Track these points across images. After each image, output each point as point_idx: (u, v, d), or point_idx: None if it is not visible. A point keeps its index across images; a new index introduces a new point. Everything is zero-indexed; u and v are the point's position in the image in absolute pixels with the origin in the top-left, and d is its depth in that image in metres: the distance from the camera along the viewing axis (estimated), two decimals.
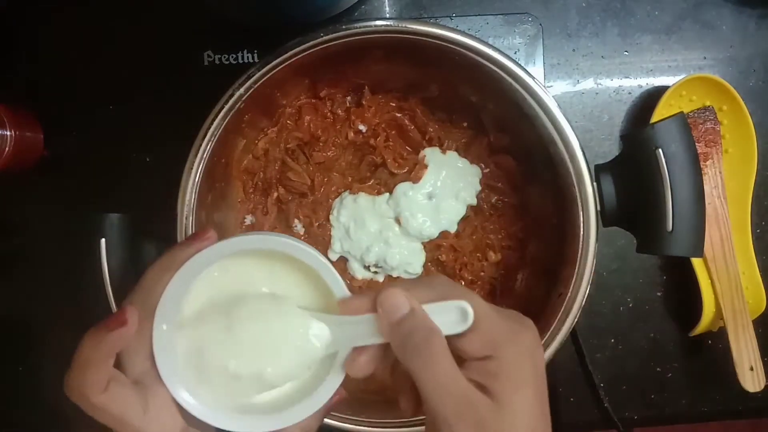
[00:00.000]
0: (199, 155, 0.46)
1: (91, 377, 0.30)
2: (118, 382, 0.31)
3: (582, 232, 0.46)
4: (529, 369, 0.31)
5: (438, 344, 0.30)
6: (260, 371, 0.33)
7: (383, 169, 0.57)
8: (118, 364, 0.32)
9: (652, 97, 0.59)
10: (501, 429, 0.29)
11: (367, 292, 0.33)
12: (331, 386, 0.34)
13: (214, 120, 0.46)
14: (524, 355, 0.31)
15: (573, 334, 0.59)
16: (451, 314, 0.31)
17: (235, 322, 0.33)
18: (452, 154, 0.56)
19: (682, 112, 0.44)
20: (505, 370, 0.30)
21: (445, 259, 0.56)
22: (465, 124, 0.57)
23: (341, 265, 0.57)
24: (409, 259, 0.55)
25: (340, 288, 0.33)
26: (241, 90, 0.46)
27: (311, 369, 0.34)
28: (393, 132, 0.57)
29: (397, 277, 0.56)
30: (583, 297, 0.46)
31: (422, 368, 0.30)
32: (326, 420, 0.47)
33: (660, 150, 0.42)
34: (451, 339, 0.31)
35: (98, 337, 0.30)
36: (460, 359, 0.31)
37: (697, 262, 0.58)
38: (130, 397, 0.31)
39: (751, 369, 0.56)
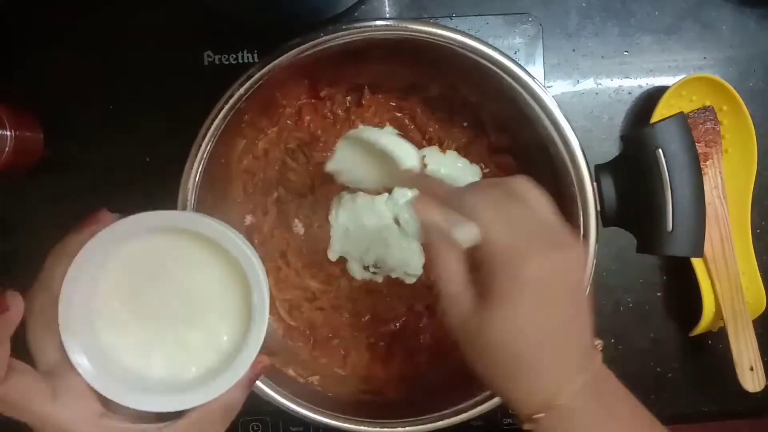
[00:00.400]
0: (199, 155, 0.46)
1: None
2: (19, 371, 0.31)
3: (582, 232, 0.46)
4: (519, 287, 0.32)
5: (443, 248, 0.35)
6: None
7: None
8: (28, 358, 0.32)
9: (652, 97, 0.59)
10: (480, 326, 0.33)
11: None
12: (249, 355, 0.34)
13: (214, 120, 0.46)
14: (516, 278, 0.32)
15: None
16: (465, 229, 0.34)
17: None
18: (452, 154, 0.56)
19: (682, 112, 0.44)
20: (492, 283, 0.33)
21: None
22: (465, 124, 0.57)
23: (341, 264, 0.57)
24: (409, 260, 0.55)
25: (240, 252, 0.34)
26: (241, 90, 0.46)
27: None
28: None
29: (396, 278, 0.56)
30: None
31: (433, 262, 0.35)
32: (326, 420, 0.47)
33: (660, 150, 0.42)
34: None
35: None
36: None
37: (697, 262, 0.58)
38: (34, 386, 0.31)
39: (751, 369, 0.56)
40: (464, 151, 0.57)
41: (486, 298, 0.33)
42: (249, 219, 0.57)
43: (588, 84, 0.60)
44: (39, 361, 0.32)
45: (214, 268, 0.36)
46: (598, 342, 0.36)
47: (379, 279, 0.57)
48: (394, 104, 0.57)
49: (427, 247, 0.36)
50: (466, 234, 0.34)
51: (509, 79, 0.46)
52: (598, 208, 0.46)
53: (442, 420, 0.47)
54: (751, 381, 0.56)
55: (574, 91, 0.60)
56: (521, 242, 0.33)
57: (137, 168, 0.58)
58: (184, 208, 0.47)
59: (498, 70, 0.46)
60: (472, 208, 0.34)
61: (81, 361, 0.32)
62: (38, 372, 0.31)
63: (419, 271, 0.56)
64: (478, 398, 0.47)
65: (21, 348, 0.32)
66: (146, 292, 0.35)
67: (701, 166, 0.51)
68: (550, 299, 0.33)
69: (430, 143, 0.57)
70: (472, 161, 0.56)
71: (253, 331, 0.34)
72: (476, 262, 0.34)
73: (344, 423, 0.47)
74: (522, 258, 0.32)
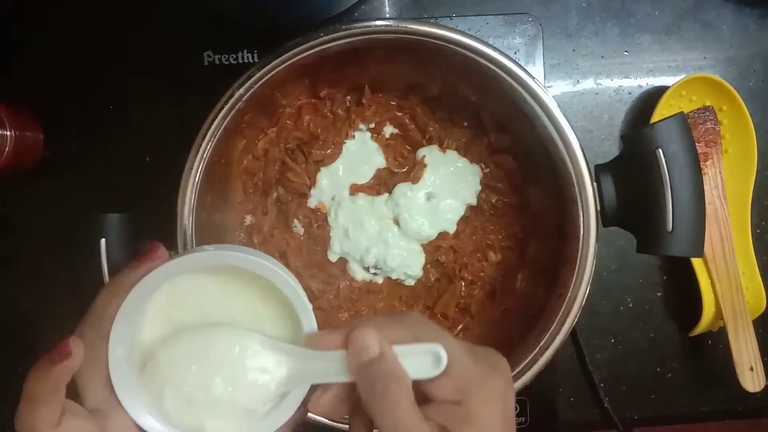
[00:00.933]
0: (199, 155, 0.46)
1: (40, 413, 0.29)
2: (72, 413, 0.30)
3: (582, 232, 0.46)
4: (498, 415, 0.31)
5: (402, 392, 0.30)
6: (216, 401, 0.32)
7: (382, 168, 0.57)
8: (75, 393, 0.31)
9: (652, 97, 0.59)
10: None
11: (340, 327, 0.32)
12: (298, 395, 0.33)
13: (214, 120, 0.46)
14: (494, 401, 0.31)
15: (573, 334, 0.59)
16: (423, 358, 0.31)
17: (192, 349, 0.32)
18: (452, 154, 0.56)
19: (682, 112, 0.44)
20: (472, 416, 0.30)
21: (445, 260, 0.56)
22: (465, 124, 0.57)
23: (341, 265, 0.57)
24: (409, 261, 0.55)
25: (303, 307, 0.32)
26: (241, 90, 0.46)
27: (271, 402, 0.33)
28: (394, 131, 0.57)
29: (396, 279, 0.56)
30: (583, 297, 0.46)
31: (383, 414, 0.29)
32: (326, 420, 0.47)
33: (660, 150, 0.42)
34: (421, 381, 0.31)
35: (43, 371, 0.29)
36: (427, 398, 0.31)
37: (697, 262, 0.58)
38: (86, 428, 0.30)
39: (751, 369, 0.56)
40: (464, 151, 0.57)
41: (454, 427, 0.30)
42: (249, 219, 0.57)
43: (588, 84, 0.60)
44: (85, 397, 0.32)
45: (266, 310, 0.34)
46: None
47: (380, 280, 0.57)
48: (394, 104, 0.57)
49: (367, 387, 0.30)
50: (433, 360, 0.30)
51: (509, 79, 0.46)
52: (598, 208, 0.46)
53: None
54: (751, 381, 0.56)
55: (574, 91, 0.60)
56: (481, 363, 0.31)
57: (137, 168, 0.58)
58: (183, 208, 0.46)
59: (498, 70, 0.46)
60: (425, 331, 0.31)
61: (129, 400, 0.32)
62: (86, 410, 0.31)
63: (419, 273, 0.56)
64: None
65: None
66: (189, 338, 0.34)
67: (701, 166, 0.51)
68: (509, 419, 0.32)
69: (430, 143, 0.57)
70: (472, 161, 0.56)
71: (293, 395, 0.33)
72: (427, 394, 0.31)
73: (344, 423, 0.47)
74: (488, 378, 0.31)
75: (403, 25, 0.46)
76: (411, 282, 0.57)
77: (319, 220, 0.57)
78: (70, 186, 0.58)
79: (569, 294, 0.46)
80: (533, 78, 0.46)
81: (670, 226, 0.42)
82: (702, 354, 0.61)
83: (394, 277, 0.56)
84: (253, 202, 0.57)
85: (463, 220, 0.56)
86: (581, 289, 0.46)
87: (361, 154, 0.57)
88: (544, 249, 0.54)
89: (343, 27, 0.46)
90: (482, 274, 0.57)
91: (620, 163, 0.46)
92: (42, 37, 0.58)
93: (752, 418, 0.63)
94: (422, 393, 0.31)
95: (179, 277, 0.33)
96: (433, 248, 0.57)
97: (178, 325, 0.34)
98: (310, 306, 0.33)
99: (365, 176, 0.57)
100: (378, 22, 0.46)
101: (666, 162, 0.42)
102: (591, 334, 0.60)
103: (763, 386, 0.56)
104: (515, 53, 0.57)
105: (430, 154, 0.56)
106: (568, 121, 0.46)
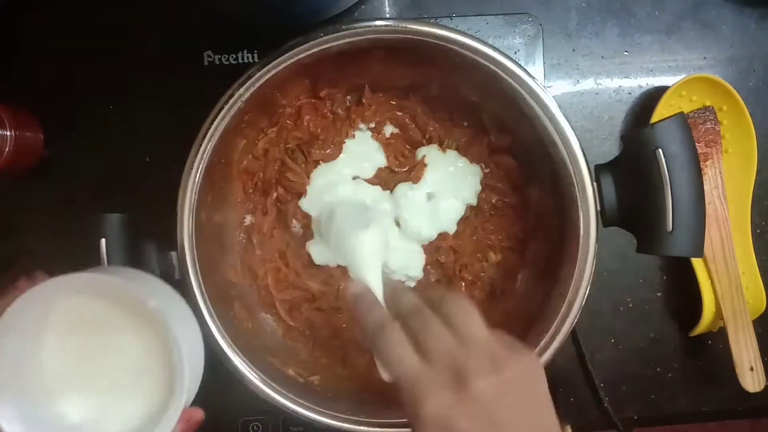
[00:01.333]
0: (199, 155, 0.46)
1: None
2: None
3: (582, 232, 0.46)
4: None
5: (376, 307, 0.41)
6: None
7: (383, 167, 0.57)
8: None
9: (652, 97, 0.59)
10: None
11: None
12: (175, 410, 0.34)
13: (214, 120, 0.46)
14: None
15: (573, 334, 0.59)
16: None
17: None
18: (452, 154, 0.56)
19: (682, 112, 0.44)
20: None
21: (445, 261, 0.56)
22: (465, 124, 0.57)
23: (341, 266, 0.57)
24: (409, 262, 0.55)
25: (155, 308, 0.34)
26: (241, 90, 0.46)
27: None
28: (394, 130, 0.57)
29: (397, 280, 0.56)
30: (583, 297, 0.46)
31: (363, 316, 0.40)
32: (326, 420, 0.47)
33: (660, 150, 0.42)
34: None
35: None
36: None
37: (697, 262, 0.58)
38: None
39: (751, 369, 0.56)
40: (464, 151, 0.57)
41: None
42: (249, 219, 0.57)
43: (588, 84, 0.60)
44: None
45: (137, 325, 0.36)
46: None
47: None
48: (394, 103, 0.57)
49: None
50: None
51: (509, 79, 0.46)
52: (598, 208, 0.46)
53: None
54: (751, 381, 0.56)
55: (574, 91, 0.60)
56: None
57: (137, 168, 0.58)
58: (183, 208, 0.46)
59: (498, 70, 0.46)
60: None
61: (14, 427, 0.32)
62: None
63: (420, 274, 0.56)
64: None
65: None
66: (75, 353, 0.36)
67: (701, 166, 0.51)
68: None
69: (430, 142, 0.57)
70: (472, 161, 0.56)
71: (176, 388, 0.34)
72: None
73: (344, 423, 0.47)
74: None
75: (403, 25, 0.46)
76: (411, 283, 0.57)
77: None
78: (70, 186, 0.58)
79: (569, 294, 0.46)
80: (533, 78, 0.46)
81: (670, 226, 0.42)
82: (702, 354, 0.61)
83: (395, 278, 0.56)
84: (253, 202, 0.57)
85: (463, 221, 0.56)
86: (581, 289, 0.46)
87: (362, 153, 0.57)
88: (544, 249, 0.54)
89: (343, 27, 0.46)
90: (482, 274, 0.57)
91: (620, 163, 0.46)
92: (42, 38, 0.58)
93: (752, 418, 0.63)
94: None
95: (57, 308, 0.35)
96: (433, 249, 0.56)
97: (80, 337, 0.35)
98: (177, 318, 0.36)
99: (365, 175, 0.57)
100: (378, 22, 0.46)
101: (666, 162, 0.42)
102: (591, 334, 0.60)
103: (763, 386, 0.56)
104: (515, 53, 0.57)
105: (430, 153, 0.56)
106: (568, 121, 0.46)
